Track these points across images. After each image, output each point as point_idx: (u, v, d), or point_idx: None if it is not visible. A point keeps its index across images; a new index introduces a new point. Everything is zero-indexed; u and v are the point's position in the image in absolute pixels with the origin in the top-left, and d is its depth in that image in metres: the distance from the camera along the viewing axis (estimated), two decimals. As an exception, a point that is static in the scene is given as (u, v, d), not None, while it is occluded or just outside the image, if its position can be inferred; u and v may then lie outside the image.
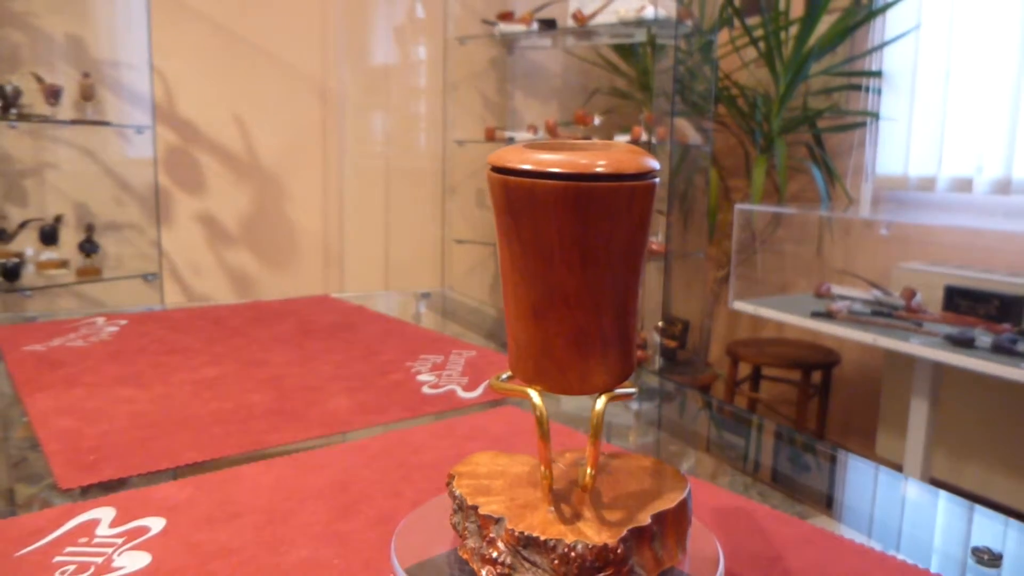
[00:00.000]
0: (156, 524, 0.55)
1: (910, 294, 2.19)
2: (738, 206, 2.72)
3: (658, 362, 2.82)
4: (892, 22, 2.69)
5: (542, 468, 0.42)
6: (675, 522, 0.42)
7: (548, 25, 2.93)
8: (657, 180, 0.39)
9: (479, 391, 0.89)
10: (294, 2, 2.80)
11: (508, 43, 3.19)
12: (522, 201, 0.38)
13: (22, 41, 2.36)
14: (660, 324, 2.82)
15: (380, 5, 3.05)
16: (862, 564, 0.52)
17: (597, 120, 2.92)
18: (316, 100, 2.90)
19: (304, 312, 1.30)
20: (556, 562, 0.39)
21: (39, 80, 2.26)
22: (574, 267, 0.38)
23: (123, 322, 1.20)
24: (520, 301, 0.40)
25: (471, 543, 0.43)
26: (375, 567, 0.50)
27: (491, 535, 0.42)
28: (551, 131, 2.91)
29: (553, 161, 0.36)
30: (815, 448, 0.85)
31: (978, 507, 0.65)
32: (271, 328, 1.17)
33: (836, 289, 2.48)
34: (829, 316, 2.10)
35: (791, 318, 2.20)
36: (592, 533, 0.40)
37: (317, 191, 2.95)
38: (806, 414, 2.67)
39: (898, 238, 2.69)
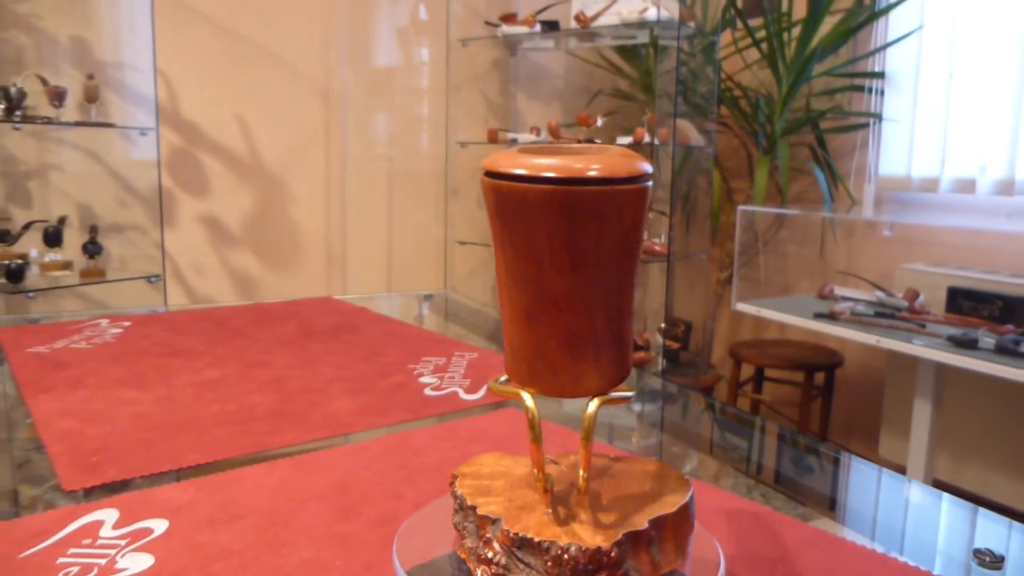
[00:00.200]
0: (159, 526, 0.55)
1: (913, 295, 2.19)
2: (741, 207, 2.72)
3: (661, 364, 2.81)
4: (895, 23, 2.69)
5: (535, 471, 0.42)
6: (675, 527, 0.42)
7: (551, 27, 2.93)
8: (650, 184, 0.39)
9: (481, 393, 0.89)
10: (297, 4, 2.81)
11: (511, 45, 3.19)
12: (512, 205, 0.38)
13: (26, 43, 2.37)
14: (663, 326, 2.82)
15: (383, 7, 3.05)
16: (864, 566, 0.52)
17: (600, 122, 2.92)
18: (319, 101, 2.90)
19: (306, 314, 1.30)
20: (549, 564, 0.39)
21: (43, 82, 2.27)
22: (564, 270, 0.38)
23: (126, 324, 1.20)
24: (514, 304, 0.40)
25: (468, 543, 0.44)
26: (377, 569, 0.50)
27: (488, 535, 0.42)
28: (554, 133, 2.91)
29: (541, 165, 0.37)
30: (818, 450, 0.85)
31: (981, 509, 0.65)
32: (273, 330, 1.18)
33: (839, 290, 2.48)
34: (832, 317, 2.09)
35: (794, 319, 2.20)
36: (587, 536, 0.40)
37: (320, 192, 2.96)
38: (809, 416, 2.66)
39: (901, 239, 2.68)
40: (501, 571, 0.41)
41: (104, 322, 1.21)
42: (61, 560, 0.51)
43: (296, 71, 2.83)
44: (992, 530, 0.62)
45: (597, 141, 2.96)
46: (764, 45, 2.84)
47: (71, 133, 2.45)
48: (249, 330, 1.17)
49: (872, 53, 2.76)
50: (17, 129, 2.29)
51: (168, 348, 1.06)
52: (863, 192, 2.81)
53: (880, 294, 2.28)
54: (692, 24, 2.78)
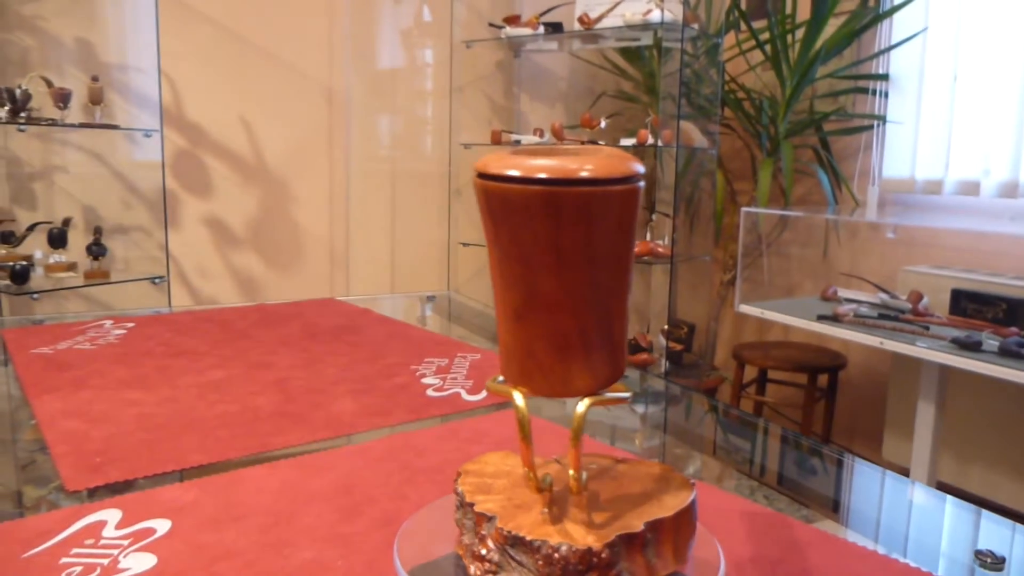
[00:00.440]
0: (162, 526, 0.55)
1: (917, 297, 2.19)
2: (744, 209, 2.72)
3: (664, 365, 2.81)
4: (899, 25, 2.68)
5: (526, 470, 0.42)
6: (673, 531, 0.42)
7: (554, 28, 2.93)
8: (640, 184, 0.39)
9: (483, 394, 0.89)
10: (301, 6, 2.81)
11: (514, 46, 3.19)
12: (500, 206, 0.38)
13: (31, 45, 2.38)
14: (666, 327, 2.82)
15: (387, 9, 3.06)
16: (866, 568, 0.52)
17: (603, 123, 2.92)
18: (323, 103, 2.91)
19: (309, 315, 1.30)
20: (540, 563, 0.39)
21: (48, 84, 2.28)
22: (551, 270, 0.38)
23: (130, 325, 1.20)
24: (505, 304, 0.40)
25: (466, 539, 0.44)
26: (379, 569, 0.50)
27: (483, 532, 0.42)
28: (557, 134, 2.91)
29: (527, 166, 0.37)
30: (821, 452, 0.85)
31: (984, 511, 0.64)
32: (277, 331, 1.18)
33: (842, 292, 2.47)
34: (835, 319, 2.09)
35: (797, 321, 2.19)
36: (579, 536, 0.40)
37: (323, 194, 2.96)
38: (812, 417, 2.66)
39: (905, 241, 2.68)
40: (494, 568, 0.41)
41: (108, 323, 1.21)
42: (64, 560, 0.51)
43: (300, 73, 2.84)
44: (995, 532, 0.62)
45: (600, 143, 2.96)
46: (768, 47, 2.84)
47: (75, 135, 2.46)
48: (252, 331, 1.17)
49: (876, 55, 2.76)
50: (22, 131, 2.30)
51: (172, 349, 1.06)
52: (867, 194, 2.80)
53: (884, 296, 2.28)
54: (696, 26, 2.78)
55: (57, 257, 2.35)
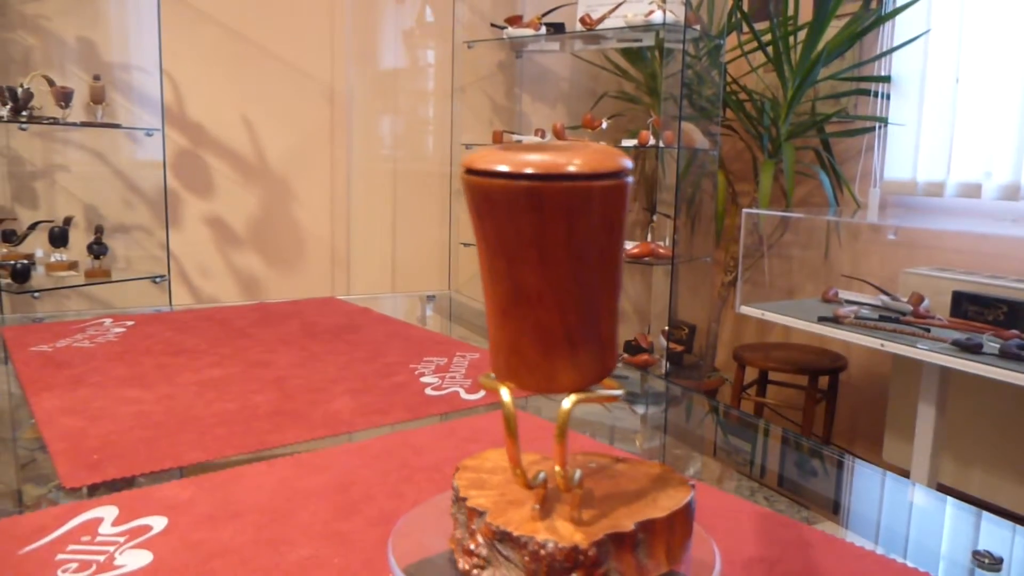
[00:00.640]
0: (158, 523, 0.55)
1: (918, 299, 2.18)
2: (745, 211, 2.71)
3: (664, 366, 2.81)
4: (901, 27, 2.68)
5: (512, 466, 0.42)
6: (666, 532, 0.42)
7: (556, 29, 2.93)
8: (628, 180, 0.38)
9: (482, 393, 0.89)
10: (303, 6, 2.81)
11: (516, 47, 3.19)
12: (484, 201, 0.38)
13: (34, 44, 2.38)
14: (666, 328, 2.81)
15: (389, 9, 3.06)
16: (864, 568, 0.52)
17: (605, 124, 2.92)
18: (324, 103, 2.91)
19: (309, 314, 1.30)
20: (527, 559, 0.39)
21: (50, 83, 2.28)
22: (534, 266, 0.38)
23: (130, 323, 1.20)
24: (492, 299, 0.40)
25: (458, 533, 0.44)
26: (374, 566, 0.50)
27: (473, 527, 0.42)
28: (558, 135, 2.91)
29: (509, 161, 0.37)
30: (822, 453, 0.85)
31: (985, 513, 0.64)
32: (276, 329, 1.18)
33: (843, 294, 2.47)
34: (836, 321, 2.09)
35: (798, 323, 2.19)
36: (567, 534, 0.40)
37: (325, 194, 2.96)
38: (812, 419, 2.65)
39: (906, 243, 2.67)
40: (482, 563, 0.41)
41: (107, 321, 1.21)
42: (60, 557, 0.51)
43: (302, 73, 2.84)
44: (995, 534, 0.62)
45: (601, 143, 2.95)
46: (770, 48, 2.84)
47: (77, 134, 2.46)
48: (252, 330, 1.17)
49: (878, 57, 2.75)
50: (23, 130, 2.30)
51: (171, 347, 1.06)
52: (868, 196, 2.80)
53: (884, 298, 2.27)
54: (698, 27, 2.78)
55: (58, 256, 2.36)
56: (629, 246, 2.75)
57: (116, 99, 2.50)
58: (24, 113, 2.20)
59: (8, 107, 2.18)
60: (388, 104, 3.10)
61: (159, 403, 0.82)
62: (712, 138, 2.90)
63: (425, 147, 3.20)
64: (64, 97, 2.26)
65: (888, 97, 2.73)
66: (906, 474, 2.11)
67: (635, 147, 2.80)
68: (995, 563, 0.54)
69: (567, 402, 0.41)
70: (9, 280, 2.22)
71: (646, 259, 2.74)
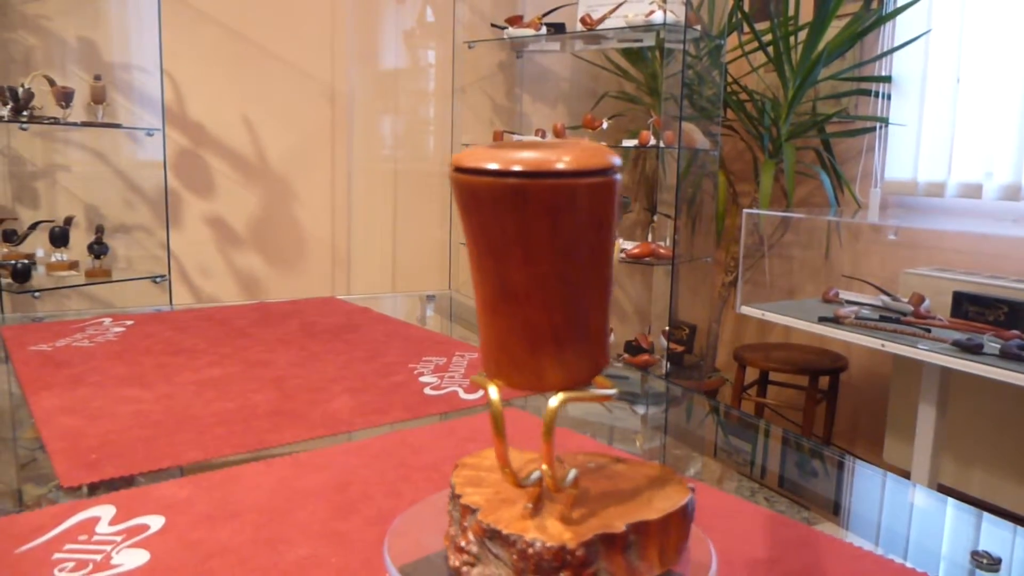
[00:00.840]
0: (155, 522, 0.55)
1: (918, 299, 2.18)
2: (746, 211, 2.71)
3: (665, 366, 2.81)
4: (902, 27, 2.68)
5: (500, 465, 0.42)
6: (660, 534, 0.41)
7: (557, 29, 2.93)
8: (615, 178, 0.38)
9: (481, 392, 0.89)
10: (304, 6, 2.81)
11: (517, 47, 3.19)
12: (470, 199, 0.38)
13: (34, 44, 2.38)
14: (667, 328, 2.81)
15: (390, 9, 3.06)
16: (863, 568, 0.51)
17: (605, 124, 2.91)
18: (325, 103, 2.91)
19: (309, 313, 1.30)
20: (515, 557, 0.39)
21: (51, 83, 2.28)
22: (519, 264, 0.38)
23: (129, 323, 1.20)
24: (481, 297, 0.40)
25: (451, 530, 0.44)
26: (372, 565, 0.50)
27: (465, 524, 0.43)
28: (559, 135, 2.91)
29: (494, 159, 0.36)
30: (822, 454, 0.85)
31: (985, 514, 0.64)
32: (276, 329, 1.18)
33: (844, 294, 2.47)
34: (837, 321, 2.09)
35: (799, 323, 2.19)
36: (556, 533, 0.39)
37: (325, 193, 2.96)
38: (813, 419, 2.65)
39: (906, 243, 2.67)
40: (472, 560, 0.41)
41: (107, 321, 1.21)
42: (57, 555, 0.50)
43: (302, 73, 2.84)
44: (996, 535, 0.62)
45: (602, 144, 2.95)
46: (770, 49, 2.84)
47: (78, 134, 2.46)
48: (252, 329, 1.17)
49: (879, 57, 2.75)
50: (24, 129, 2.30)
51: (170, 347, 1.06)
52: (869, 196, 2.80)
53: (885, 298, 2.27)
54: (698, 27, 2.78)
55: (59, 256, 2.36)
56: (630, 246, 2.75)
57: (117, 99, 2.50)
58: (25, 113, 2.20)
59: (9, 107, 2.18)
60: (389, 104, 3.10)
61: (158, 402, 0.82)
62: (713, 138, 2.90)
63: (426, 147, 3.20)
64: (65, 97, 2.27)
65: (889, 97, 2.73)
66: (906, 475, 2.11)
67: (636, 147, 2.80)
68: (993, 563, 0.54)
69: (554, 400, 0.40)
70: (10, 280, 2.22)
71: (647, 259, 2.73)
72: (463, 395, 0.88)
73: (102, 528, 0.54)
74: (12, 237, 2.30)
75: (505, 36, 2.99)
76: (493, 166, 0.36)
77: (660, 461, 0.79)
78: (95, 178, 2.53)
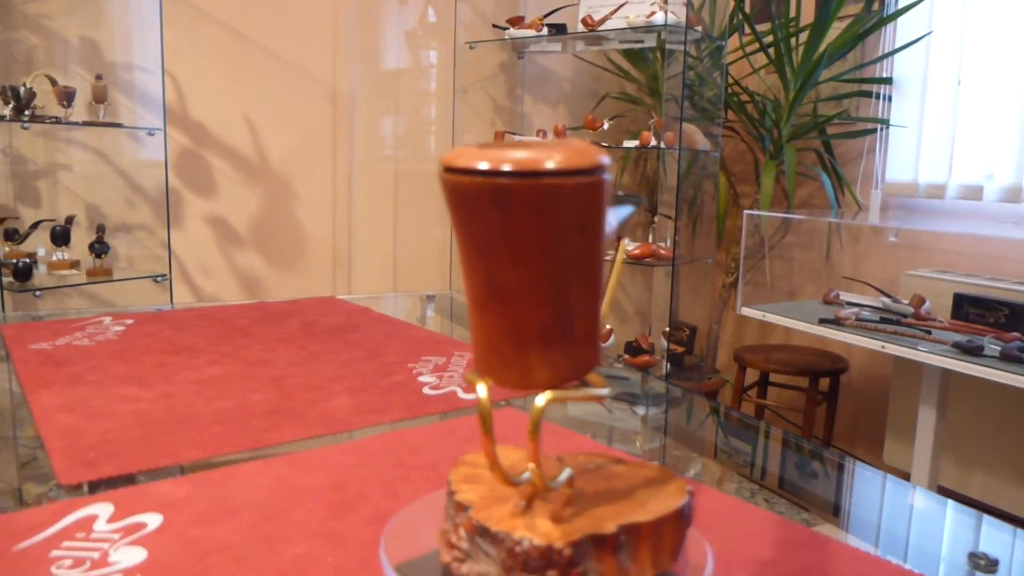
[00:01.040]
0: (153, 520, 0.55)
1: (919, 301, 2.18)
2: (747, 212, 2.71)
3: (665, 367, 2.81)
4: (903, 29, 2.68)
5: (491, 464, 0.42)
6: (652, 536, 0.41)
7: (558, 30, 2.93)
8: (603, 177, 0.38)
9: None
10: (306, 6, 2.82)
11: (518, 48, 3.19)
12: (457, 198, 0.38)
13: (36, 44, 2.39)
14: (667, 329, 2.81)
15: (391, 9, 3.06)
16: (861, 569, 0.51)
17: (606, 125, 2.92)
18: (327, 103, 2.91)
19: (309, 313, 1.30)
20: (504, 555, 0.39)
21: (52, 82, 2.28)
22: (505, 263, 0.38)
23: (129, 321, 1.20)
24: (470, 296, 0.41)
25: (446, 527, 0.44)
26: (369, 564, 0.50)
27: (457, 520, 0.43)
28: (560, 136, 2.91)
29: (477, 158, 0.36)
30: (822, 455, 0.85)
31: (985, 516, 0.64)
32: (275, 328, 1.18)
33: (844, 296, 2.47)
34: (837, 323, 2.08)
35: (799, 324, 2.19)
36: (545, 532, 0.39)
37: (327, 194, 2.96)
38: (813, 421, 2.65)
39: (907, 245, 2.67)
40: (462, 556, 0.42)
41: (107, 319, 1.21)
42: (55, 553, 0.51)
43: (304, 73, 2.84)
44: (995, 537, 0.62)
45: (603, 144, 2.96)
46: (771, 50, 2.84)
47: (79, 133, 2.46)
48: (251, 328, 1.17)
49: (880, 59, 2.75)
50: (26, 129, 2.30)
51: (170, 345, 1.06)
52: (869, 198, 2.80)
53: (886, 300, 2.27)
54: (699, 28, 2.78)
55: (60, 255, 2.36)
56: (631, 247, 2.74)
57: (118, 98, 2.50)
58: (27, 112, 2.20)
59: (11, 106, 2.18)
60: (390, 104, 3.10)
61: (157, 401, 0.82)
62: (713, 139, 2.90)
63: (427, 147, 3.20)
64: (66, 96, 2.27)
65: (890, 99, 2.73)
66: (907, 476, 2.10)
67: (637, 148, 2.80)
68: (991, 565, 0.54)
69: (541, 399, 0.40)
70: (11, 279, 2.22)
71: (647, 260, 2.73)
72: (462, 395, 0.88)
73: (100, 526, 0.54)
74: (13, 236, 2.30)
75: (506, 37, 2.99)
76: (478, 166, 0.36)
77: (660, 462, 0.79)
78: (96, 177, 2.53)
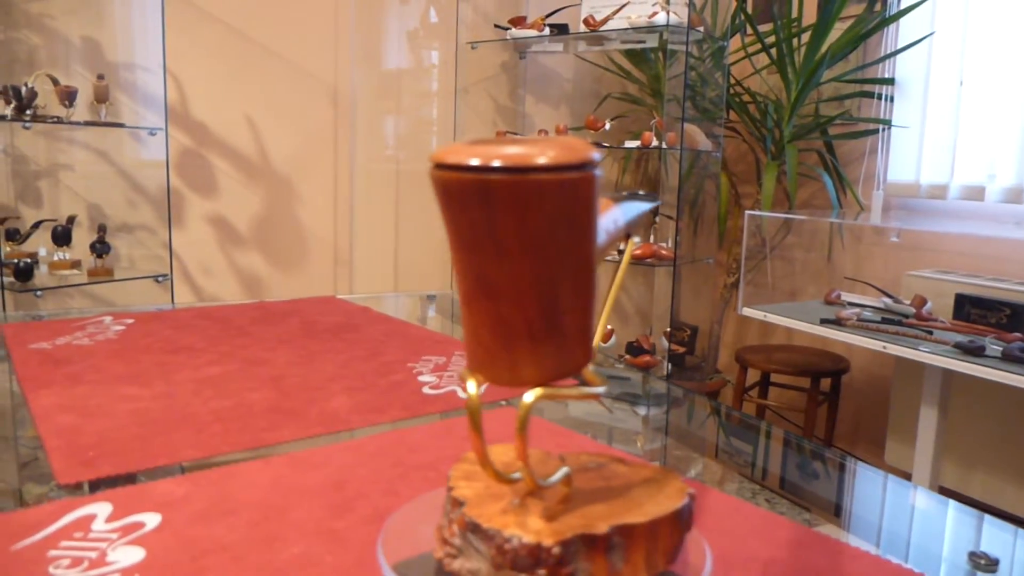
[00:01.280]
0: (152, 520, 0.55)
1: (920, 302, 2.18)
2: (748, 212, 2.71)
3: (666, 368, 2.80)
4: (905, 29, 2.68)
5: (481, 461, 0.42)
6: (647, 538, 0.41)
7: (560, 30, 2.93)
8: (594, 172, 0.38)
9: (479, 391, 0.88)
10: (307, 6, 2.82)
11: (520, 48, 3.19)
12: (443, 194, 0.38)
13: (38, 43, 2.39)
14: (668, 330, 2.81)
15: (393, 9, 3.06)
16: (860, 569, 0.51)
17: (608, 125, 2.91)
18: (328, 103, 2.91)
19: (309, 312, 1.30)
20: (493, 552, 0.39)
21: (54, 82, 2.28)
22: (490, 258, 0.38)
23: (129, 321, 1.20)
24: (460, 292, 0.41)
25: (442, 522, 0.44)
26: (367, 564, 0.49)
27: (452, 517, 0.43)
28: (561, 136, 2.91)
29: (462, 154, 0.36)
30: (823, 455, 0.84)
31: (987, 516, 0.64)
32: (275, 328, 1.18)
33: (846, 296, 2.47)
34: (839, 323, 2.08)
35: (800, 325, 2.18)
36: (536, 530, 0.39)
37: (328, 193, 2.96)
38: (815, 421, 2.65)
39: (909, 245, 2.67)
40: (455, 552, 0.42)
41: (107, 319, 1.21)
42: (52, 552, 0.50)
43: (305, 73, 2.84)
44: (997, 537, 0.61)
45: (605, 144, 2.96)
46: (773, 50, 2.84)
47: (81, 133, 2.47)
48: (251, 328, 1.17)
49: (882, 59, 2.75)
50: (27, 128, 2.30)
51: (170, 345, 1.06)
52: (871, 198, 2.79)
53: (887, 300, 2.27)
54: (701, 29, 2.78)
55: (61, 255, 2.36)
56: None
57: (120, 98, 2.51)
58: (28, 112, 2.20)
59: (12, 106, 2.18)
60: (391, 104, 3.10)
61: (156, 400, 0.82)
62: (715, 140, 2.90)
63: (428, 148, 3.20)
64: (68, 96, 2.27)
65: (892, 99, 2.73)
66: (908, 477, 2.10)
67: (638, 148, 2.80)
68: (991, 564, 0.53)
69: (529, 396, 0.40)
70: (12, 278, 2.22)
71: (648, 260, 2.73)
72: (462, 394, 0.88)
73: (98, 525, 0.54)
74: (15, 236, 2.30)
75: (508, 37, 2.99)
76: (463, 161, 0.36)
77: (661, 462, 0.79)
78: (98, 177, 2.53)
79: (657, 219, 2.84)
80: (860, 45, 2.79)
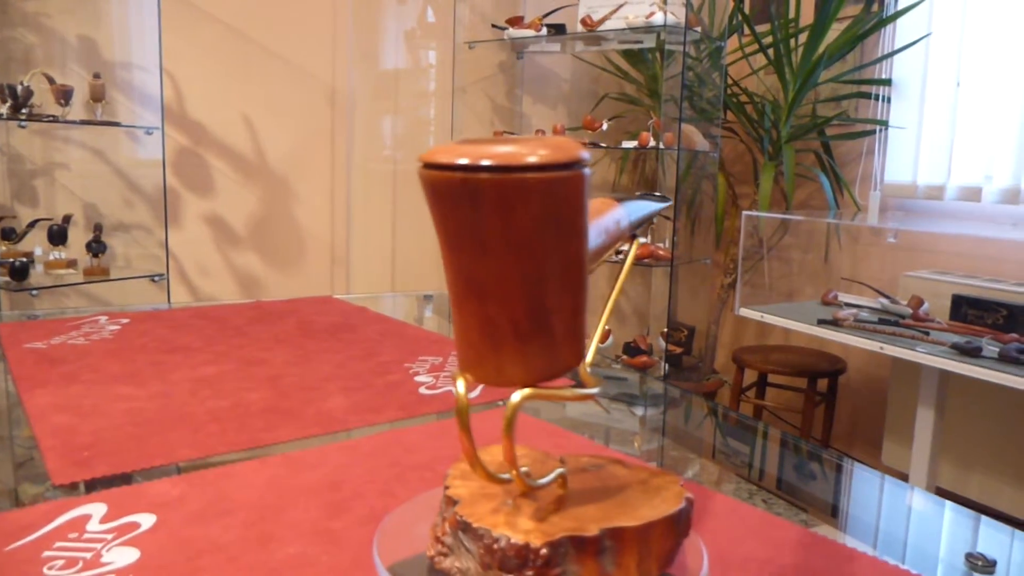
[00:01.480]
0: (147, 520, 0.55)
1: (917, 302, 2.18)
2: (745, 213, 2.71)
3: (663, 368, 2.80)
4: (902, 30, 2.68)
5: (470, 461, 0.42)
6: (638, 541, 0.41)
7: (557, 30, 2.93)
8: (583, 172, 0.37)
9: (476, 392, 0.88)
10: (305, 5, 2.81)
11: (517, 48, 3.19)
12: (431, 193, 0.38)
13: (34, 42, 2.38)
14: (665, 330, 2.81)
15: (390, 9, 3.06)
16: (858, 569, 0.51)
17: (605, 125, 2.91)
18: (325, 103, 2.91)
19: (305, 312, 1.30)
20: (482, 551, 0.39)
21: (50, 81, 2.28)
22: (476, 258, 0.38)
23: (125, 321, 1.20)
24: (450, 292, 0.40)
25: (436, 521, 0.44)
26: (362, 564, 0.49)
27: (445, 515, 0.43)
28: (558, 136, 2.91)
29: (449, 153, 0.36)
30: (820, 456, 0.84)
31: (983, 517, 0.64)
32: (272, 328, 1.17)
33: (843, 297, 2.47)
34: (836, 324, 2.08)
35: (798, 325, 2.19)
36: (525, 530, 0.39)
37: (325, 193, 2.96)
38: (812, 422, 2.65)
39: (906, 246, 2.67)
40: (446, 551, 0.42)
41: (103, 319, 1.21)
42: (47, 553, 0.50)
43: (303, 72, 2.84)
44: (993, 538, 0.61)
45: (602, 144, 2.96)
46: (771, 51, 2.84)
47: (77, 132, 2.46)
48: (248, 328, 1.17)
49: (879, 60, 2.75)
50: (23, 127, 2.30)
51: (166, 345, 1.06)
52: (868, 199, 2.80)
53: (884, 301, 2.27)
54: (699, 29, 2.78)
55: (57, 254, 2.35)
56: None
57: (116, 97, 2.50)
58: (24, 111, 2.20)
59: (8, 105, 2.18)
60: (389, 104, 3.10)
61: (152, 400, 0.82)
62: (712, 140, 2.90)
63: (426, 147, 3.16)
64: (64, 95, 2.26)
65: (889, 100, 2.73)
66: (905, 478, 2.10)
67: (635, 149, 2.80)
68: (988, 565, 0.53)
69: (516, 396, 0.40)
70: (8, 278, 2.21)
71: (646, 261, 2.73)
72: (459, 395, 0.87)
73: (93, 526, 0.54)
74: (11, 235, 2.30)
75: (506, 37, 2.99)
76: (450, 161, 0.36)
77: (658, 462, 0.79)
78: (94, 176, 2.53)
79: (654, 219, 2.84)
80: (857, 46, 2.79)
